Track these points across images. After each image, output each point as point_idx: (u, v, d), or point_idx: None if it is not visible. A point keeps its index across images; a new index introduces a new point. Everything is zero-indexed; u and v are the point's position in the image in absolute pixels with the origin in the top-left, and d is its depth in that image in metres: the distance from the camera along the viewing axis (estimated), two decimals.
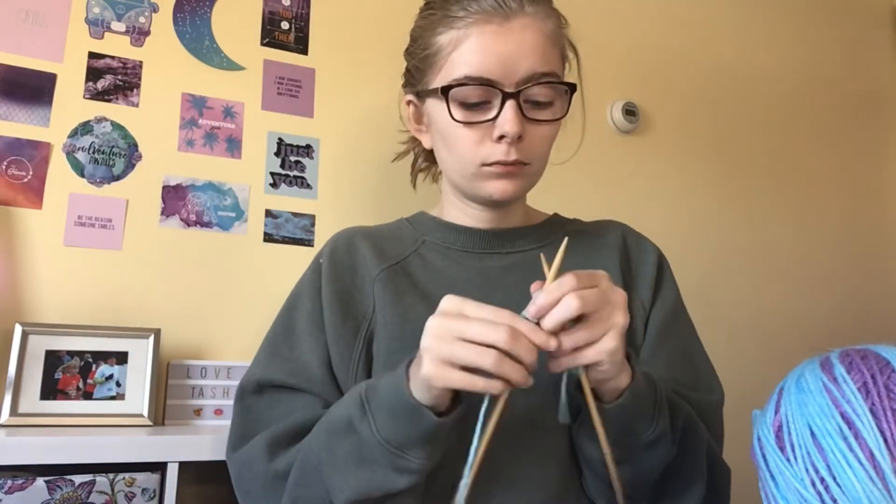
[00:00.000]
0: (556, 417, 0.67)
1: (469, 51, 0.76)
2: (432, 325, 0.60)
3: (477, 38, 0.75)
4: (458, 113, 0.76)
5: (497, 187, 0.78)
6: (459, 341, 0.59)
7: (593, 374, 0.64)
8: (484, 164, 0.77)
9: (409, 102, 0.87)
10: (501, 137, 0.75)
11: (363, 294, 0.81)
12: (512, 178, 0.78)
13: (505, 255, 0.84)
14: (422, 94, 0.83)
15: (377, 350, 0.78)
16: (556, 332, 0.61)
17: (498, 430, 0.61)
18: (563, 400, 0.66)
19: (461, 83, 0.75)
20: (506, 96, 0.74)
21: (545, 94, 0.77)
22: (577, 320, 0.61)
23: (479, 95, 0.76)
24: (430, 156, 0.96)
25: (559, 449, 0.75)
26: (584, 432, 0.71)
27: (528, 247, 0.85)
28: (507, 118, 0.74)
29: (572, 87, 0.79)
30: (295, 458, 0.71)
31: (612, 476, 0.65)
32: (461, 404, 0.64)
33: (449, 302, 0.62)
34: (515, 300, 0.63)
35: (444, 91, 0.76)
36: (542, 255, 0.66)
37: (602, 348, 0.61)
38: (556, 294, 0.60)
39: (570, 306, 0.60)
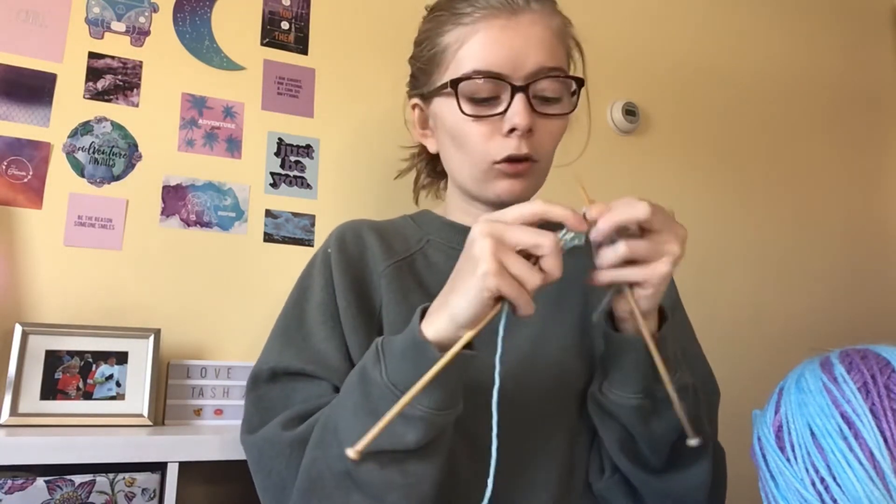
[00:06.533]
0: (555, 411, 0.67)
1: (477, 45, 0.76)
2: (487, 229, 0.59)
3: (485, 33, 0.76)
4: (468, 107, 0.76)
5: (505, 188, 0.78)
6: (514, 253, 0.58)
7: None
8: (495, 162, 0.76)
9: (414, 106, 0.87)
10: (511, 131, 0.75)
11: (371, 286, 0.80)
12: (520, 178, 0.77)
13: None
14: (427, 95, 0.82)
15: None
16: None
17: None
18: (603, 305, 0.66)
19: (470, 76, 0.75)
20: (515, 89, 0.74)
21: (553, 88, 0.77)
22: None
23: (488, 90, 0.75)
24: (432, 172, 0.96)
25: (559, 445, 0.75)
26: (609, 382, 0.70)
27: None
28: (517, 110, 0.74)
29: (580, 82, 0.79)
30: (315, 423, 0.69)
31: (670, 394, 0.63)
32: (470, 352, 0.62)
33: (487, 216, 0.61)
34: None
35: (454, 84, 0.76)
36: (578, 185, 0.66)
37: (654, 270, 0.61)
38: (628, 202, 0.60)
39: (639, 208, 0.60)
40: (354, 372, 0.67)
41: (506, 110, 0.75)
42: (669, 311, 0.83)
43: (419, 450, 0.62)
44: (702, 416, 0.73)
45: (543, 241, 0.58)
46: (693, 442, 0.63)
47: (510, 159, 0.76)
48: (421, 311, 0.63)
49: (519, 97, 0.74)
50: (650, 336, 0.63)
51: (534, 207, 0.60)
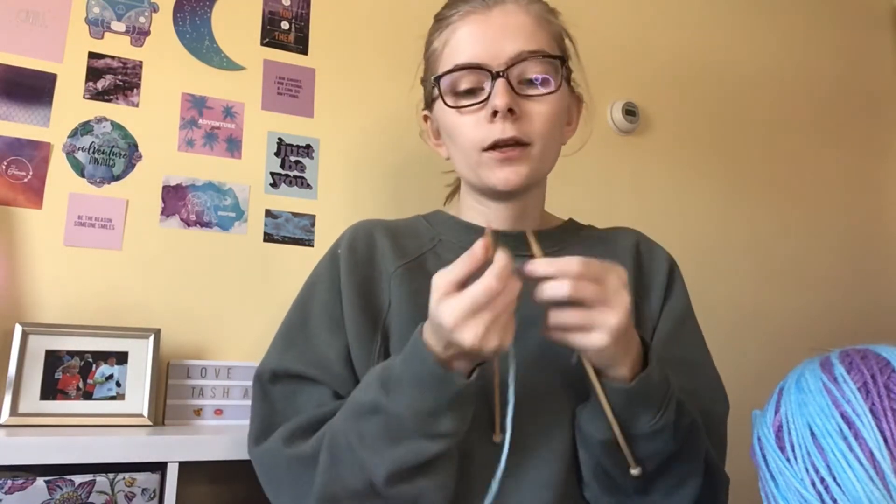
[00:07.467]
0: (557, 409, 0.70)
1: (457, 43, 0.80)
2: (449, 310, 0.60)
3: (464, 30, 0.80)
4: (451, 100, 0.79)
5: (500, 177, 0.78)
6: (484, 312, 0.60)
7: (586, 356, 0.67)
8: (484, 150, 0.78)
9: (425, 118, 0.89)
10: (495, 115, 0.76)
11: (380, 288, 0.81)
12: (514, 163, 0.78)
13: (520, 257, 0.84)
14: (429, 103, 0.85)
15: (392, 347, 0.78)
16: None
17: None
18: (574, 353, 0.69)
19: (451, 71, 0.78)
20: (495, 76, 0.76)
21: (538, 71, 0.78)
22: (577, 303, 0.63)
23: (470, 82, 0.78)
24: None
25: (564, 445, 0.76)
26: (585, 411, 0.72)
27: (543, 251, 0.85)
28: (496, 93, 0.76)
29: (562, 60, 0.81)
30: (321, 442, 0.71)
31: (619, 438, 0.67)
32: (479, 364, 0.65)
33: (439, 280, 0.62)
34: (530, 305, 0.64)
35: (437, 80, 0.79)
36: (529, 234, 0.69)
37: (587, 341, 0.64)
38: (554, 270, 0.63)
39: (559, 289, 0.62)
40: (363, 403, 0.68)
41: (488, 98, 0.77)
42: (679, 325, 0.84)
43: (441, 456, 0.66)
44: (695, 448, 0.73)
45: (500, 301, 0.61)
46: (634, 472, 0.68)
47: (497, 144, 0.77)
48: (419, 335, 0.65)
49: (499, 82, 0.76)
50: (601, 389, 0.67)
51: (491, 285, 0.61)
